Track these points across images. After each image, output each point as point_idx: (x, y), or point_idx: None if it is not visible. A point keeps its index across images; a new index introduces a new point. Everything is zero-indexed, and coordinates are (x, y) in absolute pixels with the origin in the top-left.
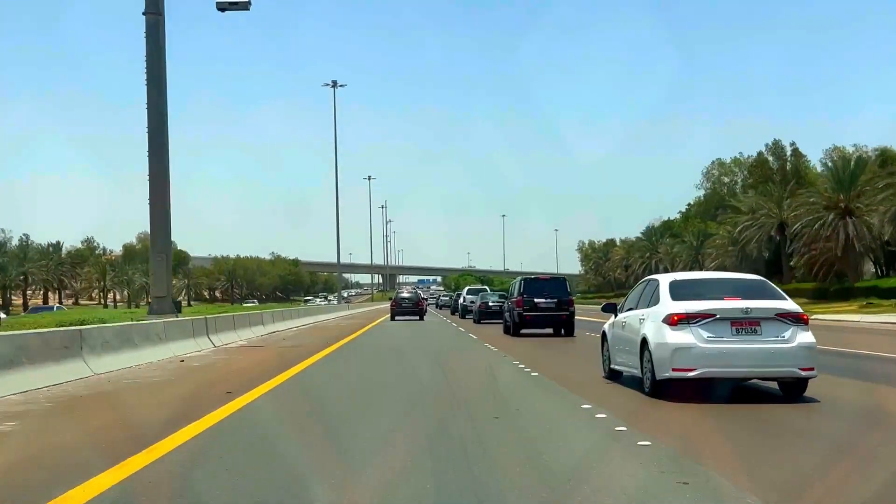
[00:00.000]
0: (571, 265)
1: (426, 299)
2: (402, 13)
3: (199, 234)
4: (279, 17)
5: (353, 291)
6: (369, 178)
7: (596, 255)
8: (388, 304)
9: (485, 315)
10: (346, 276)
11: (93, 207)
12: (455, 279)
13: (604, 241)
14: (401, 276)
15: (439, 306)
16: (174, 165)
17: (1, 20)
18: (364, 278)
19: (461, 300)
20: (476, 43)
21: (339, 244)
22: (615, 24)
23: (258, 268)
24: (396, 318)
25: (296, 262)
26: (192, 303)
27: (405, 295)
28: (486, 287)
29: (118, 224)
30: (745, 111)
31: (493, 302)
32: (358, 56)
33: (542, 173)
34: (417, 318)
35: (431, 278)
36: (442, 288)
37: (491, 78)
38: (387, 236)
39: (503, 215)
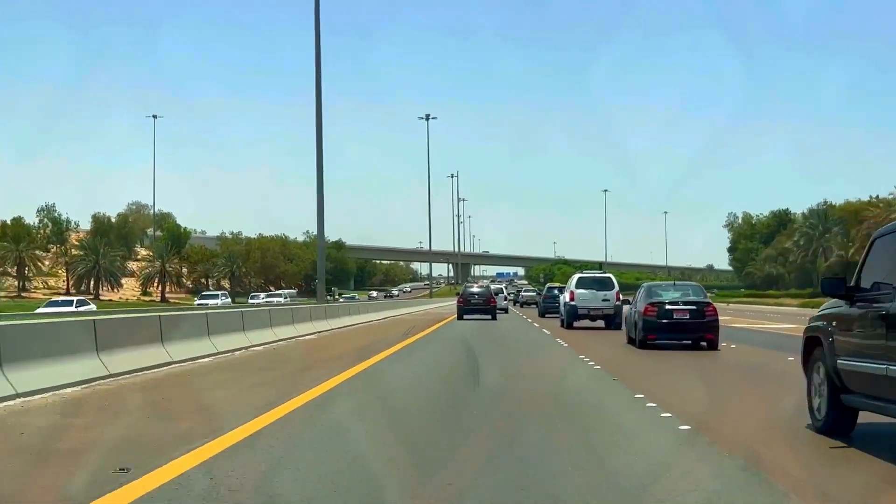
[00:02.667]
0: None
1: (507, 295)
2: (476, 34)
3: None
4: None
5: (408, 287)
6: (452, 175)
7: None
8: (450, 303)
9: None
10: (414, 266)
11: None
12: (543, 269)
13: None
14: (476, 268)
15: (521, 303)
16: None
17: None
18: (438, 270)
19: (564, 297)
20: (547, 58)
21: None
22: (684, 44)
23: (283, 251)
24: (465, 317)
25: (339, 245)
26: (167, 296)
27: (474, 289)
28: (609, 275)
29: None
30: (813, 124)
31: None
32: (439, 70)
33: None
34: (489, 317)
35: (512, 270)
36: (525, 281)
37: (563, 90)
38: (458, 216)
39: (605, 191)
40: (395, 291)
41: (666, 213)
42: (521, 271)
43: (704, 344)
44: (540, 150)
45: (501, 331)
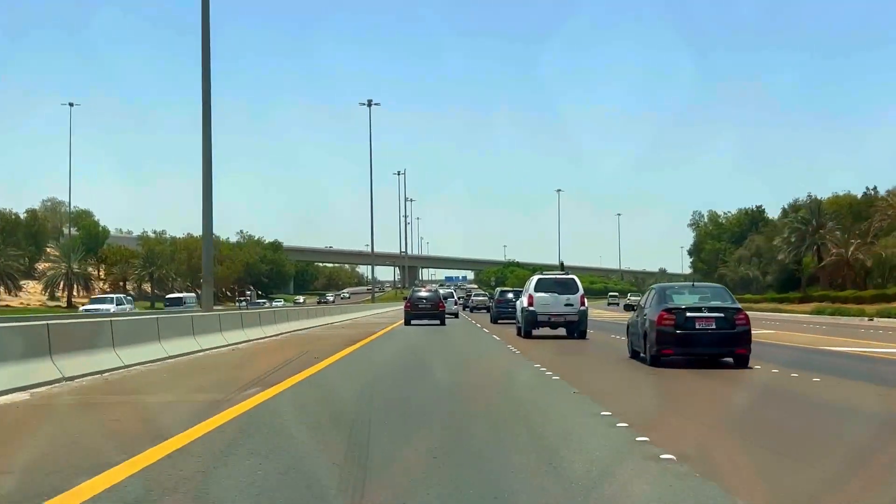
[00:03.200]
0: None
1: (457, 299)
2: (424, 23)
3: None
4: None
5: (346, 292)
6: (399, 172)
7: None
8: (393, 309)
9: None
10: (361, 270)
11: None
12: (495, 272)
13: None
14: (424, 272)
15: (471, 308)
16: None
17: None
18: (384, 274)
19: (522, 301)
20: (497, 52)
21: None
22: (633, 34)
23: (214, 251)
24: (413, 322)
25: (276, 247)
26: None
27: (423, 294)
28: (573, 277)
29: None
30: (765, 120)
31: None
32: (383, 61)
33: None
34: (438, 322)
35: (461, 274)
36: (475, 285)
37: (513, 84)
38: (405, 216)
39: (558, 190)
40: (330, 297)
41: (619, 214)
42: (470, 275)
43: (731, 360)
44: (490, 149)
45: (448, 343)
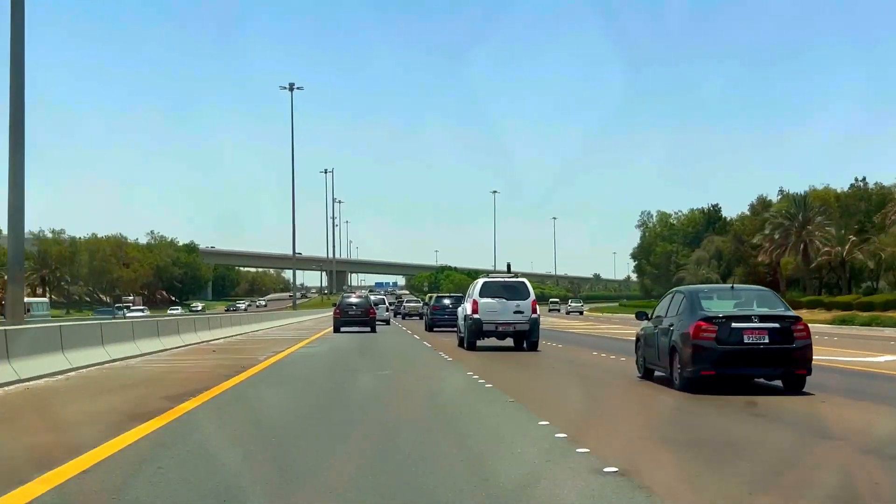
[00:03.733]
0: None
1: (388, 306)
2: (353, 31)
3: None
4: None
5: (262, 300)
6: (326, 171)
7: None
8: (316, 317)
9: (729, 359)
10: (287, 275)
11: None
12: (427, 277)
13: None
14: (353, 277)
15: (403, 315)
16: None
17: None
18: (312, 279)
19: (465, 308)
20: (428, 56)
21: None
22: (564, 40)
23: (117, 254)
24: (342, 329)
25: (191, 249)
26: None
27: (352, 300)
28: (523, 280)
29: None
30: (694, 127)
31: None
32: (309, 64)
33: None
34: (368, 329)
35: (392, 280)
36: (407, 291)
37: (443, 89)
38: (333, 218)
39: (494, 191)
40: (242, 304)
41: (555, 218)
42: (401, 281)
43: (778, 383)
44: (421, 157)
45: (378, 357)
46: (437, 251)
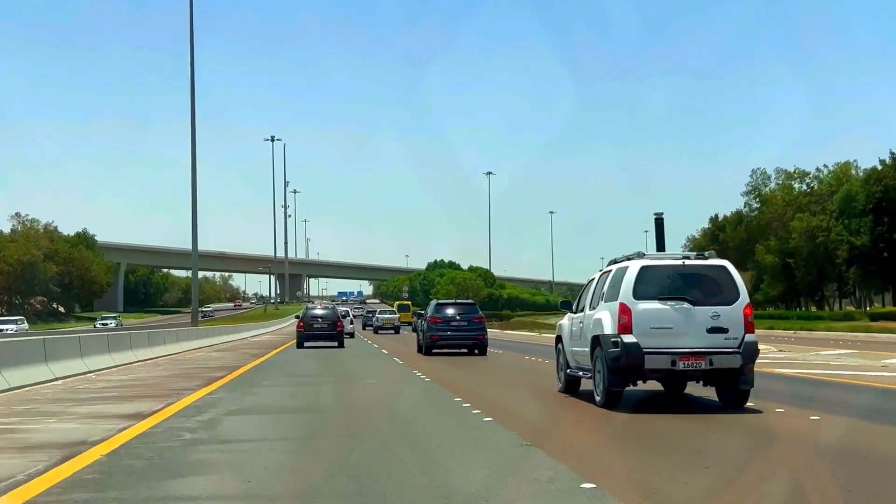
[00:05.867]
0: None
1: (353, 317)
2: (307, 42)
3: None
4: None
5: (208, 310)
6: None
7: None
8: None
9: None
10: (237, 283)
11: None
12: (410, 280)
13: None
14: (312, 283)
15: (376, 328)
16: None
17: None
18: (261, 285)
19: (591, 318)
20: (382, 71)
21: None
22: (515, 56)
23: None
24: (306, 344)
25: (85, 241)
26: None
27: (318, 311)
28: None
29: None
30: (640, 140)
31: None
32: (264, 77)
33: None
34: (335, 344)
35: (356, 289)
36: (377, 300)
37: (398, 104)
38: (285, 206)
39: (489, 173)
40: (110, 321)
41: (552, 212)
42: (367, 289)
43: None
44: (376, 167)
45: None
46: (407, 255)
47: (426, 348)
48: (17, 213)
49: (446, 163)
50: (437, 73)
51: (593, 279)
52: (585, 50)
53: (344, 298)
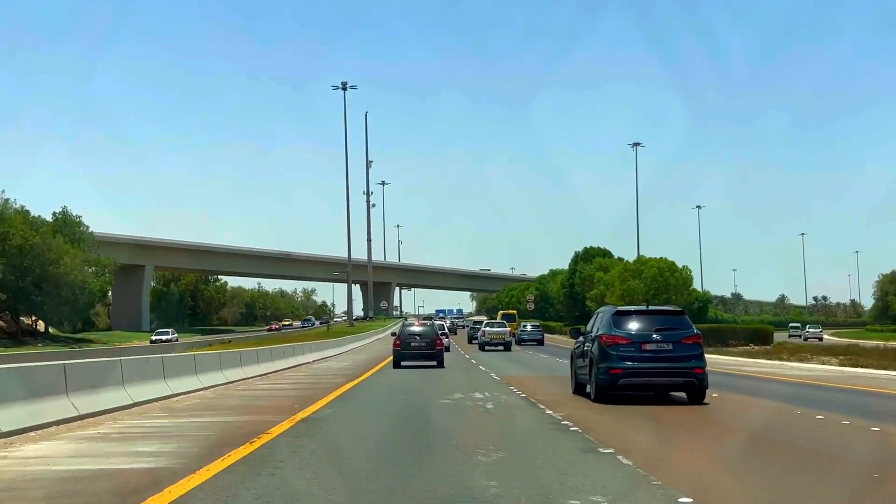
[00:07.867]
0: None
1: (448, 332)
2: (423, 70)
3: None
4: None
5: (226, 337)
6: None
7: None
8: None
9: None
10: (320, 298)
11: None
12: (533, 287)
13: None
14: (403, 295)
15: (482, 345)
16: None
17: None
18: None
19: None
20: (492, 96)
21: None
22: (625, 80)
23: None
24: (403, 363)
25: (67, 223)
26: None
27: (415, 329)
28: None
29: None
30: (753, 161)
31: None
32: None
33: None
34: (434, 363)
35: (455, 307)
36: (482, 317)
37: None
38: (368, 194)
39: (636, 146)
40: (165, 336)
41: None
42: (466, 304)
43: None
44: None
45: None
46: (513, 268)
47: (600, 389)
48: (6, 197)
49: (551, 186)
50: (545, 103)
51: (596, 314)
52: (695, 68)
53: (442, 316)
